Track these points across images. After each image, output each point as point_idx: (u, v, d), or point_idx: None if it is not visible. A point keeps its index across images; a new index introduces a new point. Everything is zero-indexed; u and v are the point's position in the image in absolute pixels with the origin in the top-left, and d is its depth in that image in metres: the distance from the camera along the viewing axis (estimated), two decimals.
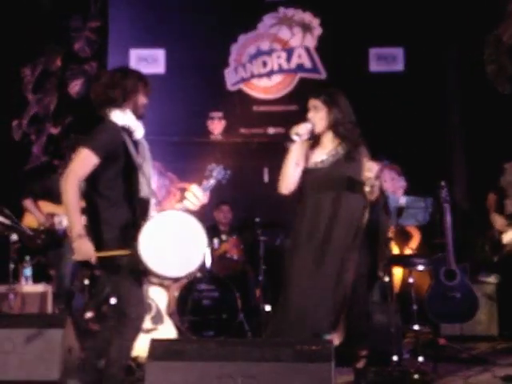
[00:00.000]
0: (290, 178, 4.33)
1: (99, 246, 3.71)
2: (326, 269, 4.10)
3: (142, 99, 3.99)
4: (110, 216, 3.76)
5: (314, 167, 4.31)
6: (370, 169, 4.03)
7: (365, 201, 4.18)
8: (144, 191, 3.85)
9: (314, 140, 4.35)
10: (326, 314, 4.07)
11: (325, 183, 4.23)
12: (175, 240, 3.78)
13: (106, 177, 3.78)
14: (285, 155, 4.34)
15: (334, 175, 4.23)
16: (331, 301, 4.07)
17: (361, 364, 4.33)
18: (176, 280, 3.87)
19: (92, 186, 3.81)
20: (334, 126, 4.27)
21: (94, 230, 3.77)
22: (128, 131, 3.87)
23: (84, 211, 3.83)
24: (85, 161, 3.69)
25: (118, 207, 3.78)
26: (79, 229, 3.64)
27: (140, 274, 3.78)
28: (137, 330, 3.93)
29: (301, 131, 4.22)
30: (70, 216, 3.68)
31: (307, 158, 4.34)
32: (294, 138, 4.22)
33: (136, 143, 3.91)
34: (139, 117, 3.98)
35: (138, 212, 3.79)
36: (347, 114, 4.30)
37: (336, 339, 4.04)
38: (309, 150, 4.36)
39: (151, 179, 3.97)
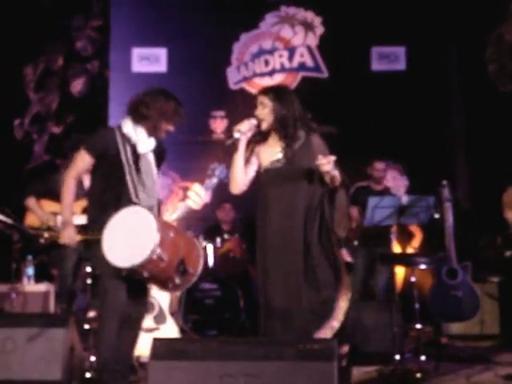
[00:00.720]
0: (239, 178, 4.33)
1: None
2: (295, 266, 4.13)
3: (165, 126, 4.20)
4: (97, 215, 4.03)
5: (270, 166, 4.28)
6: (323, 164, 3.97)
7: (323, 189, 4.15)
8: (143, 201, 4.02)
9: (263, 138, 4.32)
10: (310, 312, 4.07)
11: (285, 179, 4.22)
12: (129, 233, 3.87)
13: (98, 171, 4.09)
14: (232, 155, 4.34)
15: (292, 170, 4.21)
16: (307, 296, 4.08)
17: (343, 363, 4.30)
18: (119, 269, 3.87)
19: (90, 187, 4.17)
20: (278, 122, 4.22)
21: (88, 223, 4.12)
22: (128, 140, 4.09)
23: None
24: (80, 159, 4.10)
25: (106, 208, 3.98)
26: (66, 216, 4.06)
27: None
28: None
29: (243, 128, 4.22)
30: (61, 205, 4.12)
31: (260, 158, 4.33)
32: (236, 135, 4.23)
33: (138, 156, 4.10)
34: (156, 138, 4.19)
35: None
36: (295, 110, 4.24)
37: (327, 333, 4.05)
38: (260, 150, 4.35)
39: (153, 191, 4.17)
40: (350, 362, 4.38)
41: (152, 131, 4.14)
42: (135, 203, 4.01)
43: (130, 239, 3.86)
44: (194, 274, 4.03)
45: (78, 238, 4.06)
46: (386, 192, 6.63)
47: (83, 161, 4.08)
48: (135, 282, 4.05)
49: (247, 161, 4.35)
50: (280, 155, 4.26)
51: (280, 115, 4.21)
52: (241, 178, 4.34)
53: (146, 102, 4.13)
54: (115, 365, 4.04)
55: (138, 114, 4.11)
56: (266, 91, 4.31)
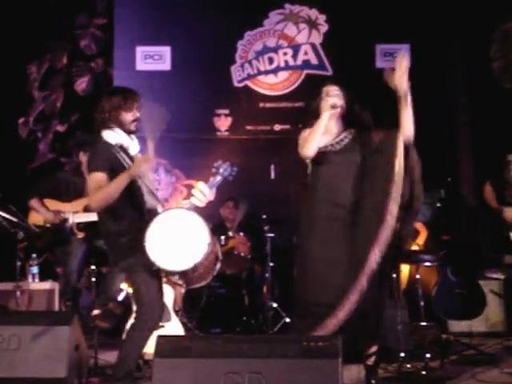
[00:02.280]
0: (315, 143, 4.37)
1: (117, 252, 4.08)
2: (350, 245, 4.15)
3: (126, 116, 4.20)
4: (117, 228, 4.06)
5: (324, 150, 4.39)
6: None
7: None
8: (149, 202, 4.11)
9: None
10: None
11: (340, 165, 4.33)
12: (178, 236, 3.94)
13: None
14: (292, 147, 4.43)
15: (348, 158, 4.34)
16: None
17: (371, 361, 4.31)
18: (182, 273, 3.92)
19: None
20: (349, 109, 4.49)
21: (108, 243, 4.17)
22: (122, 148, 4.17)
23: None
24: (94, 181, 4.01)
25: (123, 219, 4.05)
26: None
27: (154, 272, 3.98)
28: (147, 330, 4.07)
29: (337, 104, 4.42)
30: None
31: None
32: (332, 103, 4.40)
33: (132, 159, 4.18)
34: (130, 132, 4.23)
35: (146, 221, 3.98)
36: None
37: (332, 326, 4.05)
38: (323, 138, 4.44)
39: (153, 190, 4.22)
40: (378, 361, 4.35)
41: (121, 127, 4.19)
42: (151, 210, 4.10)
43: (178, 241, 3.93)
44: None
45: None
46: None
47: (98, 181, 4.00)
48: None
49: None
50: (336, 141, 4.41)
51: (351, 105, 4.54)
52: (316, 144, 4.37)
53: (100, 107, 4.19)
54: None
55: (103, 121, 4.17)
56: (336, 83, 4.56)
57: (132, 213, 4.05)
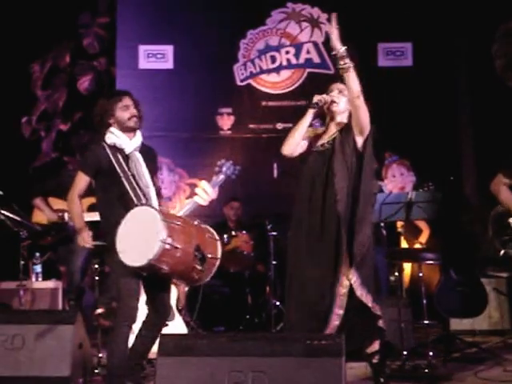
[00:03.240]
0: (295, 142, 4.35)
1: (107, 251, 4.20)
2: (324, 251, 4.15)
3: (122, 114, 4.28)
4: (107, 215, 4.26)
5: (315, 150, 4.36)
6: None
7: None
8: (138, 199, 4.15)
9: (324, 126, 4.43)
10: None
11: (323, 163, 4.27)
12: (138, 232, 3.98)
13: (100, 185, 4.30)
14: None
15: (332, 155, 4.26)
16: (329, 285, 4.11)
17: (376, 359, 4.31)
18: (139, 269, 3.95)
19: (96, 191, 4.36)
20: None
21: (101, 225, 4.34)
22: (117, 148, 4.23)
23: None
24: (79, 179, 4.30)
25: (110, 219, 4.17)
26: (79, 225, 4.32)
27: (131, 271, 4.04)
28: (125, 327, 4.13)
29: (322, 100, 4.32)
30: (72, 216, 4.49)
31: (314, 142, 4.40)
32: (318, 103, 4.31)
33: (127, 158, 4.23)
34: (130, 130, 4.30)
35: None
36: None
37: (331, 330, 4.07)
38: (317, 136, 4.43)
39: (150, 188, 4.23)
40: (383, 359, 4.35)
41: (121, 126, 4.28)
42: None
43: (140, 238, 3.96)
44: (215, 258, 4.13)
45: (91, 242, 4.28)
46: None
47: (82, 181, 4.28)
48: (156, 286, 4.20)
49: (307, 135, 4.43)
50: (325, 141, 4.35)
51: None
52: (296, 143, 4.36)
53: (102, 108, 4.31)
54: (125, 370, 4.12)
55: (103, 123, 4.30)
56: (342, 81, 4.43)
57: (118, 214, 4.10)
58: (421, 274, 5.38)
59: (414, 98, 7.95)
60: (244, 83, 8.51)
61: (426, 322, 5.26)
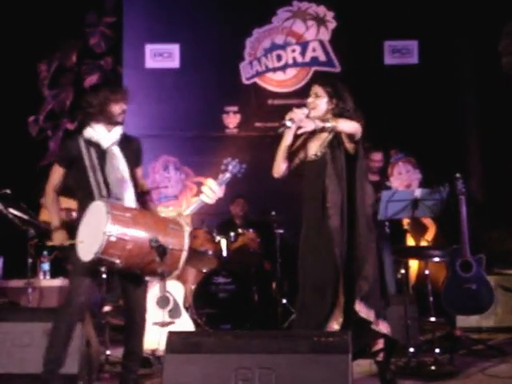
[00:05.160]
0: (280, 164, 4.40)
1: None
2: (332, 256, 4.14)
3: (114, 108, 4.30)
4: (78, 209, 4.31)
5: (309, 160, 4.35)
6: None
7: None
8: (100, 194, 4.16)
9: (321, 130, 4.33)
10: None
11: (318, 175, 4.26)
12: (89, 227, 4.01)
13: (73, 179, 4.33)
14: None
15: (325, 166, 4.24)
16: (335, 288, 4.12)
17: (380, 357, 4.33)
18: (89, 264, 3.96)
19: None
20: (336, 114, 4.28)
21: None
22: (92, 143, 4.25)
23: None
24: (54, 171, 4.34)
25: (81, 203, 4.23)
26: (55, 222, 4.35)
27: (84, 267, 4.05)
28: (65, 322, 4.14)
29: (295, 117, 4.25)
30: (49, 213, 4.43)
31: (306, 150, 4.39)
32: (288, 123, 4.25)
33: (104, 154, 4.24)
34: (117, 124, 4.32)
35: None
36: (349, 105, 4.33)
37: (334, 327, 4.08)
38: (308, 142, 4.40)
39: (124, 182, 4.23)
40: (388, 357, 4.36)
41: (109, 120, 4.29)
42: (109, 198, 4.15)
43: (91, 232, 3.97)
44: (179, 250, 4.04)
45: (67, 240, 4.30)
46: (380, 184, 6.58)
47: (56, 173, 4.32)
48: (130, 284, 4.21)
49: (297, 149, 4.41)
50: (319, 149, 4.32)
51: (335, 108, 4.31)
52: (282, 164, 4.41)
53: (88, 101, 4.31)
54: (59, 365, 4.14)
55: (88, 117, 4.31)
56: (322, 83, 4.40)
57: (83, 208, 4.13)
58: (427, 272, 5.38)
59: (419, 96, 7.95)
60: (250, 82, 8.53)
61: (432, 319, 5.26)
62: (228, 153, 7.48)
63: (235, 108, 8.46)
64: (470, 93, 8.09)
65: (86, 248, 3.96)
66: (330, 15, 8.49)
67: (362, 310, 4.07)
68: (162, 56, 8.53)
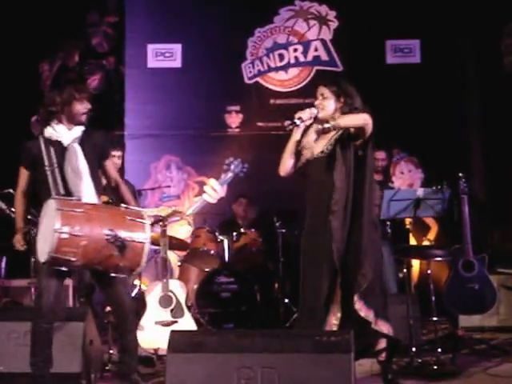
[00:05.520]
0: (287, 163, 4.43)
1: None
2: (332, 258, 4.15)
3: (78, 107, 4.27)
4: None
5: (316, 157, 4.35)
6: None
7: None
8: (57, 192, 4.13)
9: (323, 131, 4.37)
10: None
11: (325, 171, 4.26)
12: (43, 228, 4.01)
13: (37, 179, 4.29)
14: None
15: (334, 163, 4.24)
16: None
17: (382, 356, 4.33)
18: (49, 264, 3.95)
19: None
20: (345, 112, 4.31)
21: None
22: (52, 141, 4.23)
23: None
24: (20, 174, 4.37)
25: (41, 202, 4.17)
26: (18, 225, 4.38)
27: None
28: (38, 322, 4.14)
29: (304, 116, 4.28)
30: (15, 215, 4.46)
31: (313, 149, 4.39)
32: (297, 122, 4.28)
33: (64, 152, 4.21)
34: (80, 124, 4.30)
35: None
36: (356, 103, 4.35)
37: (332, 322, 4.09)
38: (315, 141, 4.41)
39: (83, 180, 4.18)
40: (390, 356, 4.35)
41: (72, 119, 4.26)
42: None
43: (45, 232, 3.96)
44: (141, 242, 3.98)
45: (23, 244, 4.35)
46: (383, 183, 6.59)
47: (22, 175, 4.34)
48: (104, 280, 4.17)
49: (303, 149, 4.41)
50: (325, 147, 4.33)
51: (344, 106, 4.32)
52: (288, 163, 4.43)
53: (52, 99, 4.27)
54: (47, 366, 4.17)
55: (51, 115, 4.27)
56: (326, 83, 4.41)
57: (43, 203, 4.12)
58: (429, 271, 5.39)
59: (421, 95, 7.95)
60: (252, 81, 8.53)
61: (434, 318, 5.27)
62: (230, 152, 7.54)
63: (237, 107, 8.46)
64: (473, 92, 8.09)
65: (42, 249, 3.94)
66: (332, 14, 8.49)
67: (362, 308, 4.07)
68: (164, 56, 8.54)
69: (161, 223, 5.75)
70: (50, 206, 3.95)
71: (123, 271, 3.98)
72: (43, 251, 3.90)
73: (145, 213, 4.16)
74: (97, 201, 4.22)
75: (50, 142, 4.24)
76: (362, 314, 4.07)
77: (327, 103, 4.35)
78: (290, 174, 4.46)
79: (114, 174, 4.49)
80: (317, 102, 4.38)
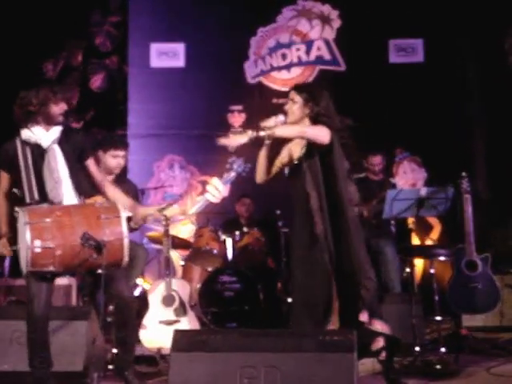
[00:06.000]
0: (261, 171, 4.49)
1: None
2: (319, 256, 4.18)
3: (54, 109, 4.19)
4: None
5: (293, 164, 4.40)
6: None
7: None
8: (31, 196, 4.07)
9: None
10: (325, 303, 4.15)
11: (300, 181, 4.30)
12: (19, 237, 3.96)
13: (15, 182, 4.22)
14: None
15: (304, 173, 4.29)
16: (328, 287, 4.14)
17: (382, 356, 4.32)
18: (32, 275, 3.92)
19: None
20: (312, 118, 4.34)
21: None
22: (29, 144, 4.15)
23: None
24: (1, 177, 4.28)
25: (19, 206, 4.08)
26: (1, 229, 4.27)
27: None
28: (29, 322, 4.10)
29: (268, 124, 4.29)
30: None
31: (290, 155, 4.43)
32: (261, 133, 4.27)
33: (43, 154, 4.14)
34: (57, 124, 4.22)
35: None
36: (325, 109, 4.36)
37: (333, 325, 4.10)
38: (291, 146, 4.44)
39: (61, 183, 4.12)
40: (391, 356, 4.35)
41: (49, 120, 4.19)
42: (29, 204, 4.06)
43: (21, 244, 3.90)
44: (118, 238, 3.88)
45: (8, 248, 4.27)
46: (385, 182, 6.59)
47: (2, 178, 4.27)
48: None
49: (278, 155, 4.46)
50: (298, 152, 4.34)
51: (310, 113, 4.34)
52: (264, 171, 4.47)
53: (27, 101, 4.18)
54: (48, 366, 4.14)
55: (28, 116, 4.18)
56: (298, 88, 4.44)
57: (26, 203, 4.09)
58: (432, 271, 5.38)
59: (425, 95, 7.94)
60: (255, 81, 8.53)
61: (437, 318, 5.26)
62: (233, 152, 7.53)
63: (240, 107, 8.47)
64: (476, 92, 8.08)
65: (21, 261, 3.88)
66: (334, 14, 8.49)
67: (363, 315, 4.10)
68: (167, 55, 8.54)
69: (164, 222, 5.76)
70: (21, 220, 3.87)
71: (108, 268, 3.91)
72: (22, 265, 3.85)
73: (121, 205, 4.02)
74: (77, 202, 4.14)
75: (27, 144, 4.17)
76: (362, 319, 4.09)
77: (295, 107, 4.37)
78: (265, 181, 4.52)
79: (97, 174, 4.38)
80: (286, 107, 4.42)
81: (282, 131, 4.24)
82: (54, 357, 4.32)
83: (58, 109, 4.21)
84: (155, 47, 8.56)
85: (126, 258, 3.93)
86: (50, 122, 4.20)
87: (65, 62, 8.53)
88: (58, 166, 4.15)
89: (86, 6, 8.44)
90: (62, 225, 3.83)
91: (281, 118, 4.35)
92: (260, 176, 4.50)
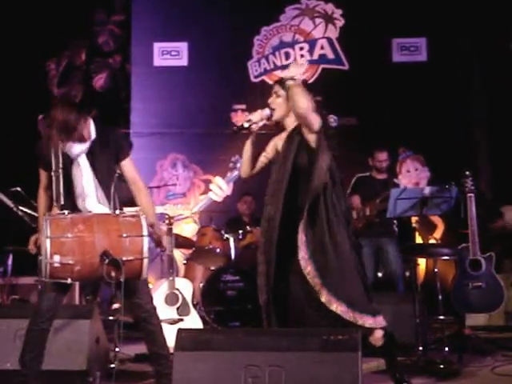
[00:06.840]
0: (246, 165, 4.41)
1: None
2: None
3: (85, 132, 4.16)
4: None
5: (276, 159, 4.35)
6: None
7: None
8: (57, 200, 4.04)
9: (280, 130, 4.37)
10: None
11: (281, 173, 4.25)
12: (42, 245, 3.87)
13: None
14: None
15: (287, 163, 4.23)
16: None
17: (382, 351, 4.28)
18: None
19: None
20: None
21: None
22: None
23: None
24: (40, 174, 4.31)
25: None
26: (40, 225, 4.13)
27: None
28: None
29: (254, 118, 4.27)
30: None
31: (276, 150, 4.38)
32: (245, 125, 4.25)
33: (72, 161, 4.11)
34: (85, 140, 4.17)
35: None
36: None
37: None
38: (277, 141, 4.40)
39: (87, 197, 4.08)
40: (392, 352, 4.30)
41: (79, 139, 4.13)
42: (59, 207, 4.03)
43: (42, 251, 3.84)
44: (139, 258, 3.80)
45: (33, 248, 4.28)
46: (388, 181, 6.58)
47: (42, 175, 4.28)
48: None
49: (264, 150, 4.41)
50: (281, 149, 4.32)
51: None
52: (248, 165, 4.40)
53: (66, 121, 4.11)
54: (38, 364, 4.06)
55: (65, 133, 4.10)
56: (281, 82, 4.38)
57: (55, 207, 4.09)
58: (436, 270, 5.37)
59: (428, 94, 7.94)
60: (258, 80, 8.54)
61: (441, 317, 5.26)
62: (236, 151, 7.52)
63: (243, 106, 8.46)
64: (480, 90, 8.08)
65: (41, 267, 3.82)
66: (338, 13, 8.49)
67: (331, 300, 4.03)
68: (171, 54, 8.54)
69: (167, 221, 5.76)
70: (43, 230, 3.80)
71: (125, 281, 3.83)
72: (41, 272, 3.81)
73: (144, 218, 3.89)
74: (109, 209, 4.06)
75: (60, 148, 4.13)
76: (333, 307, 4.03)
77: (279, 101, 4.33)
78: (250, 176, 4.46)
79: (131, 174, 4.28)
80: (269, 100, 4.38)
81: (299, 92, 4.20)
82: (57, 355, 4.34)
83: (86, 131, 4.17)
84: (158, 46, 8.56)
85: (144, 276, 3.88)
86: (80, 140, 4.13)
87: (68, 60, 8.54)
88: (83, 181, 4.10)
89: (90, 5, 8.45)
90: (82, 241, 3.75)
91: (267, 111, 4.31)
92: (244, 170, 4.44)
